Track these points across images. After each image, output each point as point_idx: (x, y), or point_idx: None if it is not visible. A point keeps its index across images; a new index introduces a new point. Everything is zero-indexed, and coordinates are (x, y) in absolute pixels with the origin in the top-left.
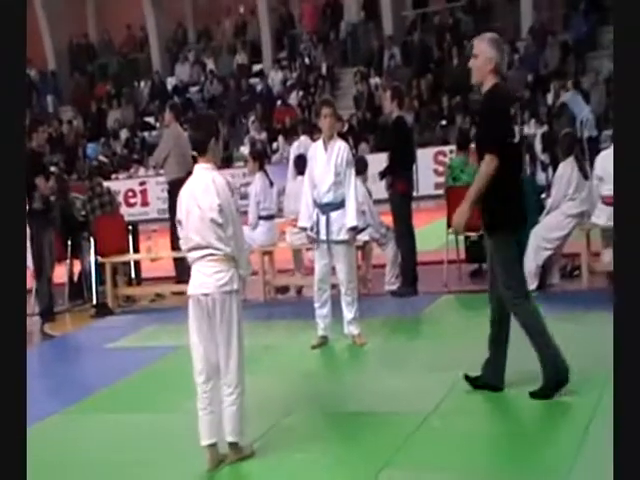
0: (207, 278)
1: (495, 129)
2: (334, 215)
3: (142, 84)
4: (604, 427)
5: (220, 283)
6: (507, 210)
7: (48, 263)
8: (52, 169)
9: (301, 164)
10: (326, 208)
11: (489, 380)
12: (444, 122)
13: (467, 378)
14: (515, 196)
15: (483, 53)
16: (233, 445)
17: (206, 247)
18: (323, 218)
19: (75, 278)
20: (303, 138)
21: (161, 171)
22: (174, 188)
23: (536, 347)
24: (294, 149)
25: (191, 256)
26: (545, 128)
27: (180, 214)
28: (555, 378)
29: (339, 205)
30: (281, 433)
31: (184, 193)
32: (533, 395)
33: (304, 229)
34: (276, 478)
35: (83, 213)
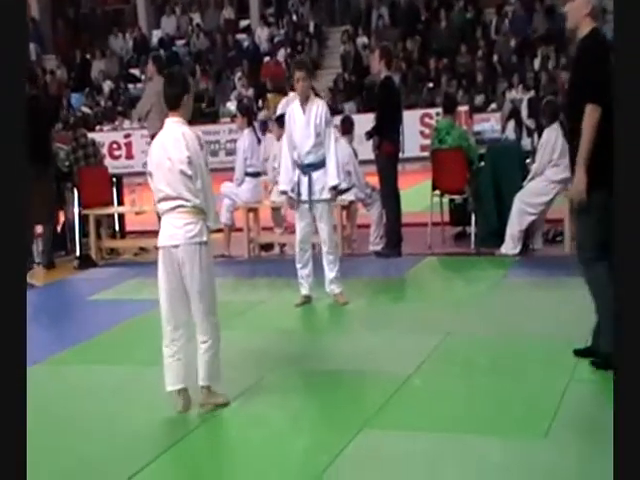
0: (177, 230)
1: (595, 76)
2: (316, 175)
3: (127, 36)
4: (582, 389)
5: (190, 235)
6: (606, 164)
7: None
8: None
9: (284, 123)
10: (308, 169)
11: (600, 348)
12: (431, 84)
13: (577, 352)
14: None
15: None
16: (206, 388)
17: (176, 198)
18: (305, 179)
19: (58, 229)
20: (292, 95)
21: (145, 124)
22: None
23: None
24: (282, 106)
25: (161, 207)
26: (532, 93)
27: (150, 166)
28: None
29: (320, 165)
30: (262, 389)
31: (155, 146)
32: (595, 364)
33: (284, 192)
34: (256, 434)
35: (67, 164)
